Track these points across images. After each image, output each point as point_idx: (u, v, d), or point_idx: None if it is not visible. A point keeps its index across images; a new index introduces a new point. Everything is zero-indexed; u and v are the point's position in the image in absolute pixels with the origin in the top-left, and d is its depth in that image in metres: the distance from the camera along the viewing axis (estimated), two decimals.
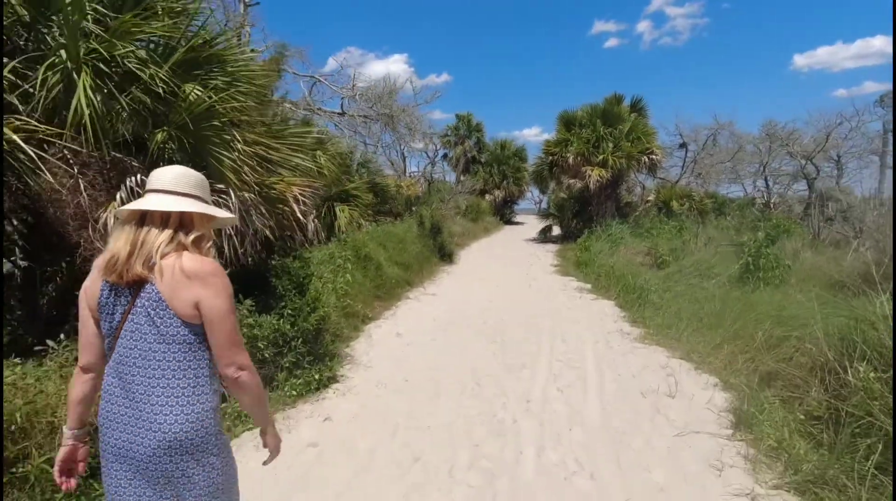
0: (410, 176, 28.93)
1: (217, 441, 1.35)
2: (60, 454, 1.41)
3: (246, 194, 3.76)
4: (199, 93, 3.45)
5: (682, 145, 22.71)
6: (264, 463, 1.54)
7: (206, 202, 1.44)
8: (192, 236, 1.35)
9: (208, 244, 1.42)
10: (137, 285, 1.29)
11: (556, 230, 20.04)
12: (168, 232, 1.31)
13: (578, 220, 17.62)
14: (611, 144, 15.77)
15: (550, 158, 17.08)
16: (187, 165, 1.47)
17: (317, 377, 4.00)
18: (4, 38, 3.08)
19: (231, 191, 3.49)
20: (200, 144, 3.46)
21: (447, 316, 6.73)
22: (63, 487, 1.42)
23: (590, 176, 15.11)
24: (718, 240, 10.54)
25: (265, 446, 1.50)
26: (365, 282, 7.48)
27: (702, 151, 23.97)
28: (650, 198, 21.02)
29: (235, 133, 3.66)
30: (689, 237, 10.25)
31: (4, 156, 2.69)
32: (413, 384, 4.23)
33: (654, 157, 15.22)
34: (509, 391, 4.04)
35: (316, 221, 10.47)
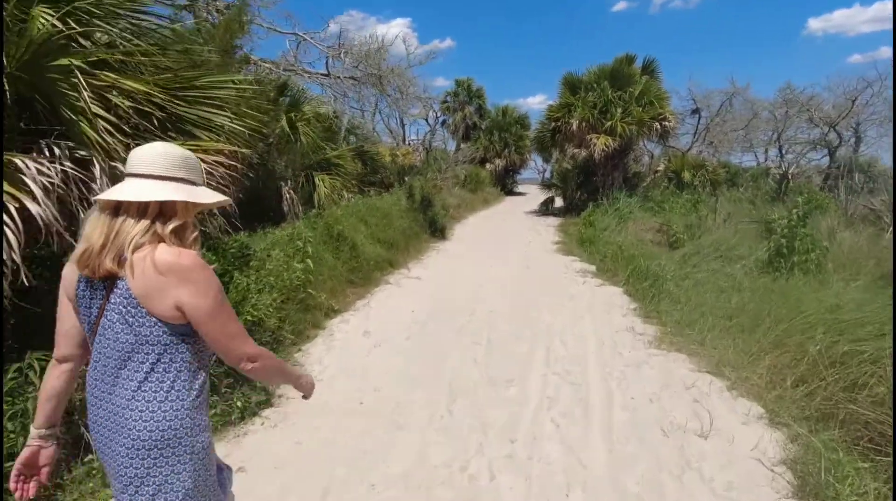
0: (409, 144, 27.74)
1: (190, 443, 1.24)
2: (22, 455, 1.30)
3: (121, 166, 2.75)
4: (46, 20, 2.41)
5: (695, 111, 21.33)
6: (304, 397, 1.54)
7: (194, 184, 1.28)
8: (170, 226, 1.21)
9: (193, 234, 1.26)
10: (110, 280, 1.19)
11: (559, 202, 18.95)
12: (144, 222, 1.19)
13: (583, 191, 16.51)
14: (619, 110, 14.51)
15: (553, 124, 15.84)
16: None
17: (239, 404, 3.08)
18: None
19: (96, 161, 2.48)
20: (48, 95, 2.44)
21: (429, 306, 5.79)
22: (17, 494, 1.30)
23: (595, 144, 13.92)
24: (737, 215, 9.49)
25: (304, 393, 1.52)
26: (337, 265, 6.52)
27: (716, 117, 22.53)
28: (659, 168, 19.85)
29: (105, 77, 2.61)
30: (706, 213, 9.21)
31: None
32: (369, 409, 3.31)
33: (667, 123, 13.98)
34: (490, 422, 3.11)
35: (291, 192, 9.50)
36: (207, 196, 1.29)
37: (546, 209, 18.34)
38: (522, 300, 6.03)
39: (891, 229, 7.94)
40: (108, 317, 1.20)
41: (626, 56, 15.17)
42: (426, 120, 32.61)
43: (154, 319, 1.18)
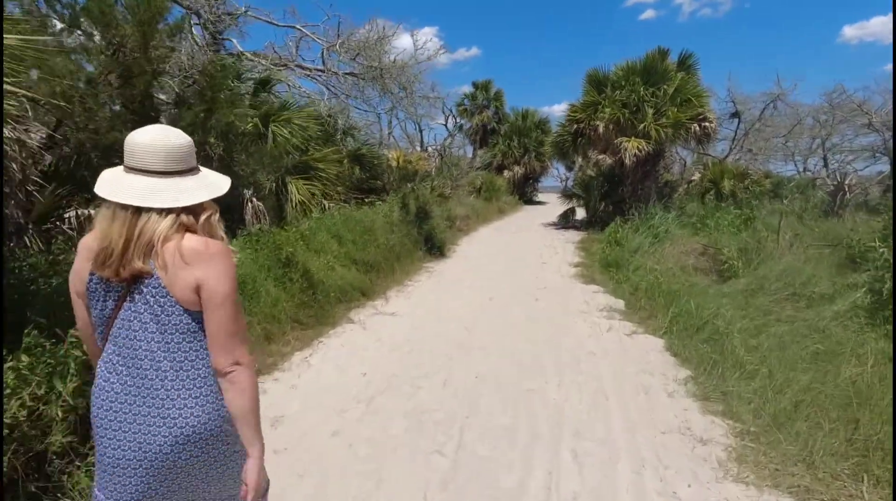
0: (427, 149, 26.24)
1: (232, 430, 1.23)
2: None
3: None
4: None
5: (735, 115, 19.23)
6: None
7: (199, 170, 1.28)
8: (201, 219, 1.22)
9: (216, 217, 1.25)
10: (136, 278, 1.16)
11: (581, 213, 17.09)
12: (171, 216, 1.17)
13: (607, 202, 14.66)
14: (651, 110, 12.68)
15: (575, 126, 14.06)
16: None
17: None
18: None
19: None
20: None
21: (390, 364, 4.13)
22: None
23: (626, 149, 12.07)
24: (806, 235, 7.60)
25: (243, 477, 1.23)
26: (281, 300, 4.92)
27: (758, 122, 20.38)
28: (694, 177, 17.87)
29: None
30: (765, 232, 7.33)
31: None
32: None
33: (707, 125, 12.07)
34: None
35: (255, 200, 7.97)
36: (223, 183, 1.29)
37: (566, 222, 16.52)
38: (524, 357, 4.31)
39: None
40: (132, 308, 1.17)
41: (659, 50, 13.33)
42: (445, 125, 31.27)
43: (180, 307, 1.17)
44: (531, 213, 22.39)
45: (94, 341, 1.27)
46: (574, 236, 13.49)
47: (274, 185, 8.25)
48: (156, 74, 6.28)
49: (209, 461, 1.22)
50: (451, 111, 31.55)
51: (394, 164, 16.19)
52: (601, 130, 12.67)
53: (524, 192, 30.66)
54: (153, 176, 1.17)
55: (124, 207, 1.15)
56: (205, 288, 1.15)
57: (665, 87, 12.38)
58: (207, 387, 1.20)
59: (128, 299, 1.17)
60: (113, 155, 6.30)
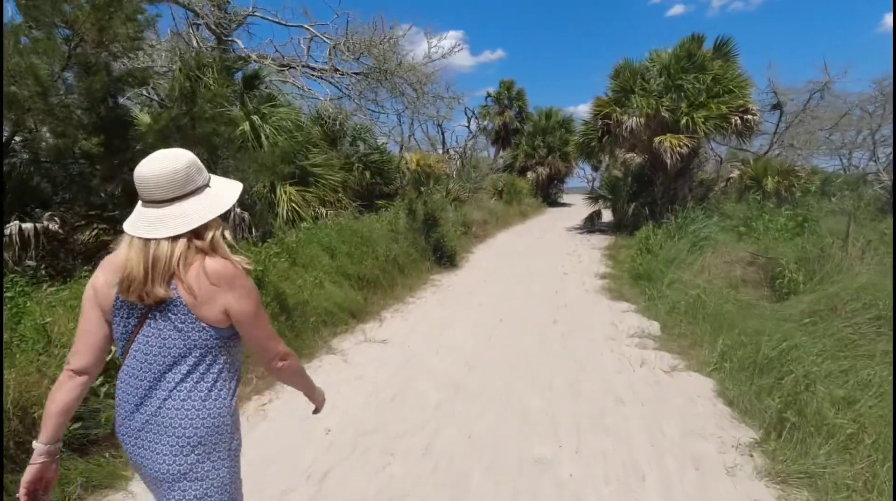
0: (448, 151, 25.45)
1: (228, 439, 1.30)
2: (29, 473, 1.24)
3: None
4: None
5: (776, 106, 17.74)
6: (315, 412, 1.63)
7: (206, 187, 1.29)
8: (207, 239, 1.24)
9: (225, 232, 1.29)
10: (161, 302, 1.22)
11: (607, 216, 15.95)
12: (182, 242, 1.21)
13: (637, 204, 13.51)
14: (685, 103, 11.52)
15: (601, 122, 12.99)
16: None
17: None
18: None
19: None
20: None
21: (361, 420, 3.27)
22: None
23: (665, 149, 10.91)
24: (876, 242, 6.41)
25: (316, 405, 1.61)
26: None
27: (802, 113, 18.81)
28: (732, 174, 16.51)
29: None
30: (829, 239, 6.19)
31: None
32: None
33: (750, 117, 10.85)
34: None
35: (237, 211, 7.24)
36: (228, 195, 1.31)
37: (591, 225, 15.41)
38: (533, 408, 3.39)
39: None
40: (155, 325, 1.23)
41: (694, 37, 12.14)
42: (468, 127, 30.39)
43: (203, 324, 1.22)
44: (555, 216, 21.29)
45: (95, 355, 1.28)
46: (600, 240, 12.40)
47: (266, 193, 7.54)
48: (121, 78, 5.62)
49: (205, 466, 1.26)
50: (473, 113, 30.77)
51: (412, 166, 15.45)
52: (632, 125, 11.55)
53: (548, 193, 29.50)
54: (157, 206, 1.22)
55: (137, 237, 1.21)
56: (233, 312, 1.23)
57: (702, 76, 11.19)
58: (213, 398, 1.26)
59: (150, 317, 1.23)
60: (74, 164, 5.69)
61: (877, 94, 23.60)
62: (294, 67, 11.81)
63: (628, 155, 19.02)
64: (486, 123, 30.32)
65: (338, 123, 10.43)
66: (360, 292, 6.16)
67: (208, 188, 1.29)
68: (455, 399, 3.56)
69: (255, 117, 7.50)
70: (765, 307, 5.10)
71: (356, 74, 12.86)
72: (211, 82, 8.17)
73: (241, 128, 7.36)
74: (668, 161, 11.21)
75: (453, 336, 5.01)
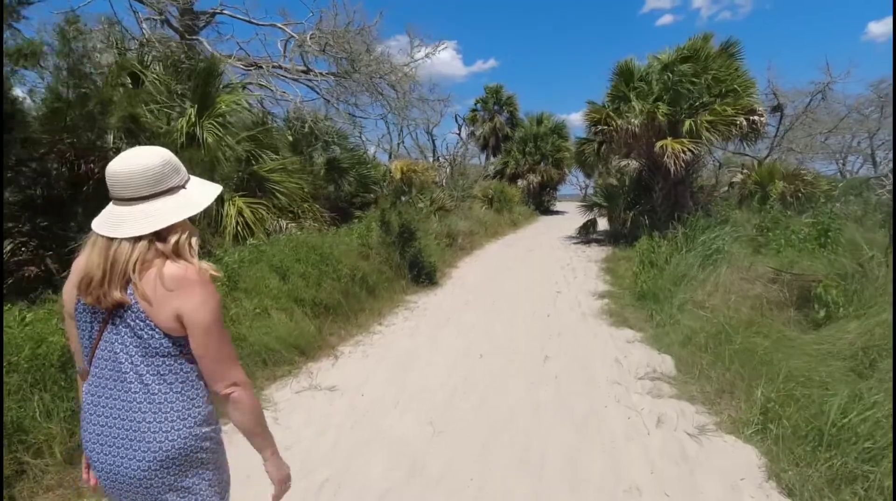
0: (439, 159, 24.59)
1: (212, 452, 1.25)
2: (85, 460, 1.30)
3: None
4: None
5: (776, 108, 16.97)
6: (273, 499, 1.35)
7: (182, 186, 1.21)
8: (170, 243, 1.17)
9: (191, 239, 1.20)
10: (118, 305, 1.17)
11: (603, 224, 15.04)
12: (142, 244, 1.15)
13: (635, 212, 12.61)
14: (686, 104, 10.67)
15: (595, 128, 12.11)
16: None
17: None
18: None
19: None
20: None
21: None
22: (89, 484, 1.33)
23: (668, 154, 10.01)
24: None
25: (274, 484, 1.31)
26: None
27: (804, 116, 18.09)
28: (735, 179, 15.70)
29: None
30: (871, 252, 5.27)
31: None
32: None
33: (757, 118, 10.00)
34: None
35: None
36: (202, 198, 1.23)
37: (587, 235, 14.49)
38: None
39: None
40: (115, 332, 1.18)
41: (704, 36, 11.28)
42: (458, 134, 29.56)
43: (160, 331, 1.16)
44: (548, 224, 20.40)
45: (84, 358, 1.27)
46: (597, 252, 11.48)
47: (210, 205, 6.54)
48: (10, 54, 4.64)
49: (190, 483, 1.21)
50: (463, 120, 29.95)
51: (396, 175, 14.53)
52: (631, 129, 10.63)
53: (541, 201, 28.66)
54: (125, 204, 1.17)
55: (101, 236, 1.17)
56: (186, 318, 1.13)
57: (707, 76, 10.34)
58: (187, 410, 1.19)
59: (110, 323, 1.17)
60: None
61: (873, 97, 23.07)
62: (261, 66, 10.88)
63: (623, 162, 18.25)
64: (473, 129, 29.55)
65: (307, 125, 9.46)
66: (315, 320, 5.17)
67: (183, 190, 1.21)
68: (407, 488, 2.57)
69: (191, 111, 6.52)
70: (803, 340, 4.15)
71: (332, 74, 11.96)
72: (155, 78, 7.25)
73: (177, 125, 6.39)
74: (672, 167, 10.31)
75: (420, 381, 4.02)
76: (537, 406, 3.51)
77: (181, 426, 1.17)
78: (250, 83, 11.46)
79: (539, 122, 28.68)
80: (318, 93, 12.20)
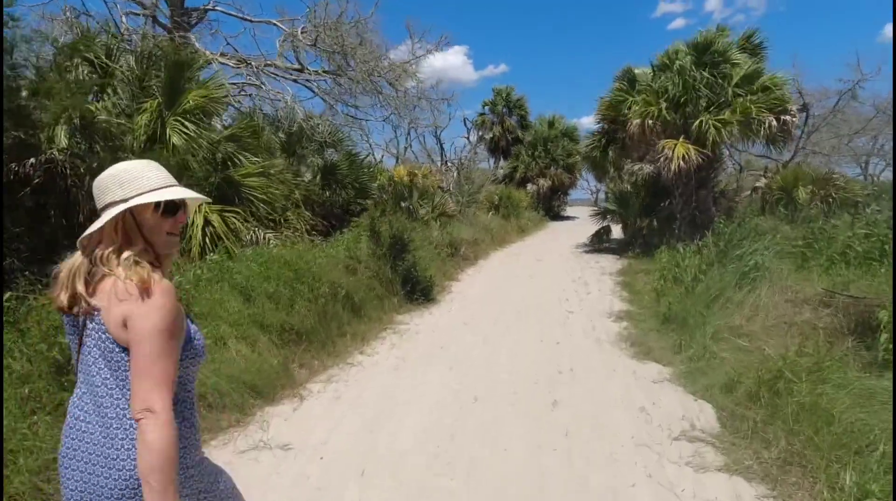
0: (447, 163, 23.86)
1: (187, 475, 1.15)
2: None
3: None
4: None
5: (803, 108, 15.97)
6: None
7: (121, 202, 1.13)
8: (106, 253, 1.12)
9: (123, 255, 1.10)
10: (82, 313, 1.14)
11: (616, 231, 14.13)
12: (86, 257, 1.15)
13: (651, 218, 11.72)
14: (704, 101, 9.77)
15: (605, 126, 11.26)
16: None
17: None
18: None
19: None
20: None
21: None
22: None
23: (668, 158, 9.15)
24: None
25: None
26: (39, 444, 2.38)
27: (831, 116, 17.04)
28: (758, 184, 14.72)
29: None
30: None
31: None
32: None
33: (788, 118, 9.09)
34: None
35: None
36: (125, 205, 1.13)
37: (599, 243, 13.60)
38: None
39: None
40: (87, 343, 1.15)
41: (719, 27, 10.41)
42: (467, 138, 28.76)
43: (119, 344, 1.10)
44: (558, 231, 19.52)
45: None
46: (611, 262, 10.59)
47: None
48: None
49: None
50: (472, 123, 29.15)
51: (398, 179, 13.78)
52: (641, 128, 9.78)
53: (551, 206, 27.78)
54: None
55: None
56: (129, 323, 1.06)
57: (727, 70, 9.45)
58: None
59: (85, 334, 1.15)
60: None
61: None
62: (250, 64, 10.19)
63: (636, 166, 17.32)
64: (482, 132, 28.76)
65: (295, 124, 8.72)
66: (282, 350, 4.38)
67: (123, 204, 1.12)
68: None
69: (149, 105, 5.80)
70: (878, 387, 3.27)
71: (326, 73, 11.24)
72: (124, 71, 6.58)
73: (136, 122, 5.67)
74: (671, 173, 9.39)
75: (397, 437, 3.20)
76: (541, 483, 2.68)
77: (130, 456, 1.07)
78: (244, 83, 10.78)
79: (550, 124, 27.84)
80: (313, 92, 11.50)
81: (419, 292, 6.85)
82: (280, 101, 9.35)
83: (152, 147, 5.79)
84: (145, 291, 1.06)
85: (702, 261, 6.36)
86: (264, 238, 6.43)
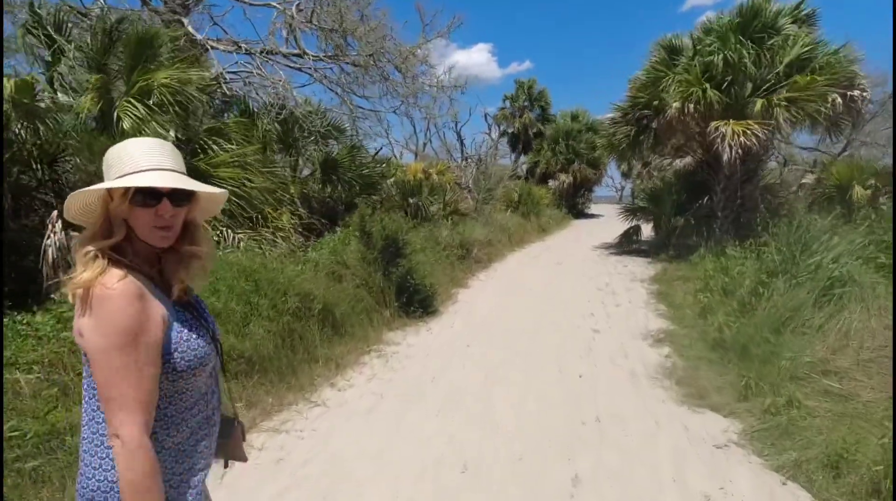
0: (467, 160, 22.88)
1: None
2: None
3: None
4: None
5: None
6: None
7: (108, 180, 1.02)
8: (77, 242, 1.01)
9: (77, 247, 1.00)
10: None
11: (646, 231, 12.83)
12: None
13: (688, 217, 10.42)
14: (750, 82, 8.46)
15: (638, 112, 10.02)
16: None
17: None
18: None
19: None
20: None
21: None
22: None
23: (727, 136, 7.84)
24: None
25: None
26: None
27: (890, 102, 15.34)
28: (805, 180, 13.29)
29: None
30: None
31: None
32: None
33: (857, 93, 7.74)
34: None
35: (58, 233, 4.66)
36: (114, 183, 0.99)
37: (628, 244, 12.33)
38: None
39: None
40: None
41: None
42: (488, 133, 27.61)
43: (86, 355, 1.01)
44: (581, 230, 18.24)
45: None
46: (642, 267, 9.37)
47: None
48: None
49: None
50: (493, 118, 28.01)
51: (411, 176, 12.79)
52: (687, 111, 8.49)
53: (574, 203, 26.44)
54: None
55: None
56: (83, 339, 0.95)
57: (777, 43, 8.12)
58: (104, 450, 1.00)
59: None
60: None
61: None
62: (240, 46, 9.29)
63: (666, 161, 15.93)
64: (503, 127, 27.58)
65: (285, 111, 7.78)
66: (224, 385, 3.39)
67: (102, 185, 1.00)
68: None
69: (90, 82, 4.90)
70: None
71: (327, 57, 10.28)
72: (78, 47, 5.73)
73: (80, 102, 4.78)
74: (727, 156, 8.07)
75: None
76: None
77: (93, 473, 0.98)
78: (238, 70, 9.90)
79: (574, 118, 26.49)
80: (315, 78, 10.55)
81: (417, 303, 5.81)
82: (273, 87, 8.42)
83: (103, 131, 4.91)
84: (87, 296, 0.92)
85: (761, 269, 5.15)
86: (234, 240, 5.48)
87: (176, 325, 1.02)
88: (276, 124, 8.72)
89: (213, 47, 9.73)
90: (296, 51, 10.68)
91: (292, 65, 10.69)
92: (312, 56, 9.93)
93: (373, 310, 5.51)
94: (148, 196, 0.98)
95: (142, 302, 0.95)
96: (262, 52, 10.32)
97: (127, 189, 0.97)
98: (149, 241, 1.01)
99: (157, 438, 0.99)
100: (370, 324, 5.28)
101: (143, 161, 1.00)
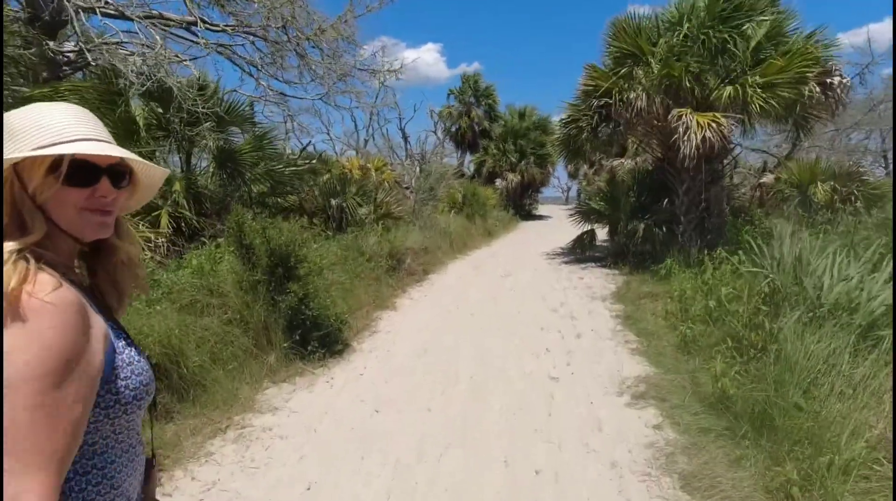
0: (412, 158, 21.41)
1: None
2: None
3: None
4: None
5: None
6: None
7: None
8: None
9: (15, 243, 0.70)
10: None
11: (601, 234, 11.80)
12: None
13: (648, 221, 9.41)
14: (719, 66, 7.52)
15: (597, 102, 8.87)
16: None
17: None
18: None
19: None
20: None
21: None
22: None
23: (685, 131, 6.85)
24: None
25: None
26: None
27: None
28: (764, 180, 12.72)
29: None
30: None
31: None
32: None
33: (837, 80, 6.90)
34: None
35: None
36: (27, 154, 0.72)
37: (582, 251, 11.23)
38: None
39: None
40: None
41: None
42: (434, 132, 26.26)
43: None
44: (529, 233, 17.18)
45: None
46: (600, 279, 8.22)
47: None
48: None
49: None
50: (438, 115, 26.70)
51: (357, 173, 11.19)
52: (642, 103, 7.43)
53: (521, 204, 25.54)
54: None
55: None
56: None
57: (754, 26, 7.18)
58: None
59: None
60: None
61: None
62: (123, 11, 7.40)
63: (616, 161, 15.11)
64: (448, 124, 26.31)
65: (150, 83, 6.03)
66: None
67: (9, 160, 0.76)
68: None
69: None
70: None
71: (228, 27, 8.52)
72: None
73: None
74: (685, 150, 7.04)
75: None
76: None
77: None
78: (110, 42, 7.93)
79: (522, 116, 25.58)
80: (206, 49, 8.75)
81: (316, 341, 4.28)
82: (143, 55, 6.62)
83: None
84: (11, 309, 0.66)
85: (760, 297, 3.98)
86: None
87: (118, 345, 0.76)
88: (150, 103, 6.96)
89: (81, 8, 7.74)
90: (189, 18, 8.80)
91: (188, 37, 8.84)
92: (208, 25, 8.14)
93: (250, 355, 3.94)
94: (86, 171, 0.73)
95: (82, 319, 0.68)
96: (145, 17, 8.38)
97: (55, 163, 0.71)
98: (78, 232, 0.75)
99: (83, 498, 0.72)
100: (242, 377, 3.72)
101: (71, 130, 0.74)
